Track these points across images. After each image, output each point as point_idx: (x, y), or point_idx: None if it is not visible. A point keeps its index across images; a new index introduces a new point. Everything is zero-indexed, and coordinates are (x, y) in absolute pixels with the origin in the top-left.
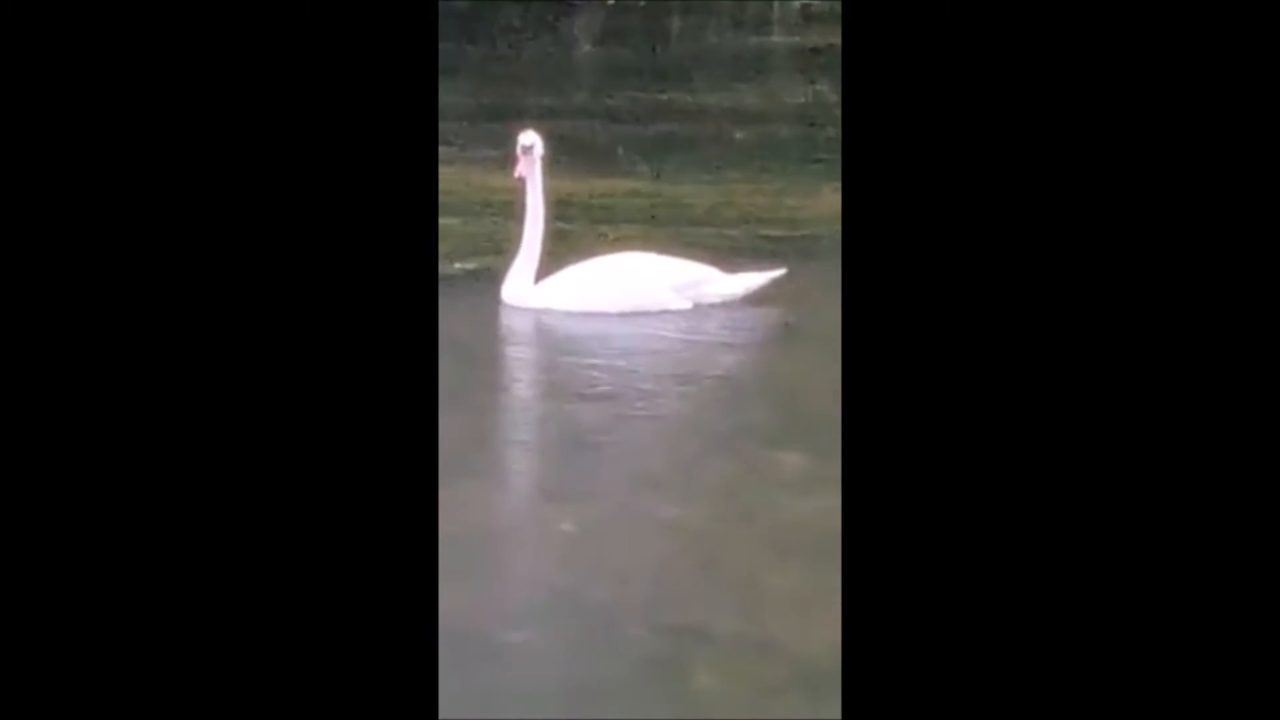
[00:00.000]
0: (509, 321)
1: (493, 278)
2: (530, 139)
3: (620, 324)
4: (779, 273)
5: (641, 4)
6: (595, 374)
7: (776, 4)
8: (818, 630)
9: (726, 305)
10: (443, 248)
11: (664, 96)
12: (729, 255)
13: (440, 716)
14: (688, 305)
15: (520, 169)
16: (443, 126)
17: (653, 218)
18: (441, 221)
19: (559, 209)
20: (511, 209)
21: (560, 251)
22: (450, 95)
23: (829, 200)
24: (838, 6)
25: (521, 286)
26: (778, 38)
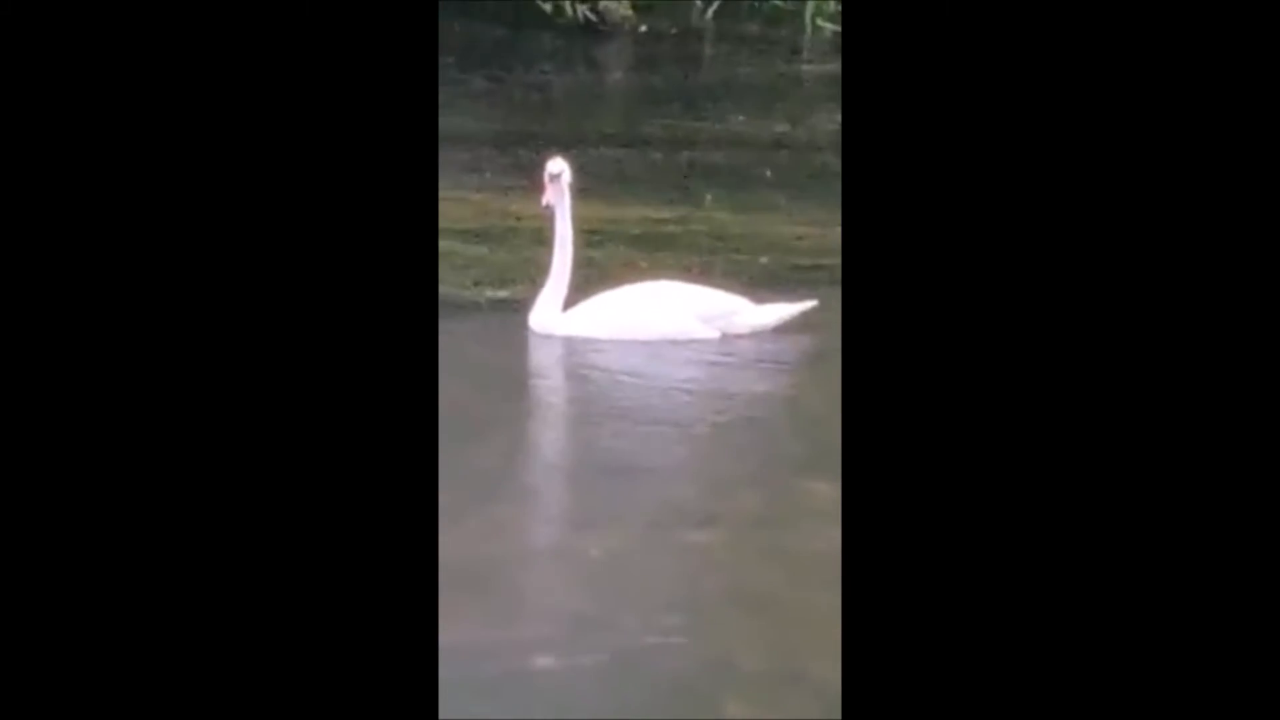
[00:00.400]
0: (537, 349)
1: (522, 306)
2: (558, 167)
3: (649, 352)
4: (810, 305)
5: (673, 31)
6: (623, 401)
7: (807, 32)
8: None
9: (756, 335)
10: (472, 275)
11: (695, 124)
12: (761, 283)
13: None
14: (715, 335)
15: (548, 197)
16: (473, 154)
17: (684, 245)
18: (471, 249)
19: (590, 236)
20: (542, 236)
21: (591, 279)
22: (481, 122)
23: None
24: None
25: (549, 314)
26: (808, 65)
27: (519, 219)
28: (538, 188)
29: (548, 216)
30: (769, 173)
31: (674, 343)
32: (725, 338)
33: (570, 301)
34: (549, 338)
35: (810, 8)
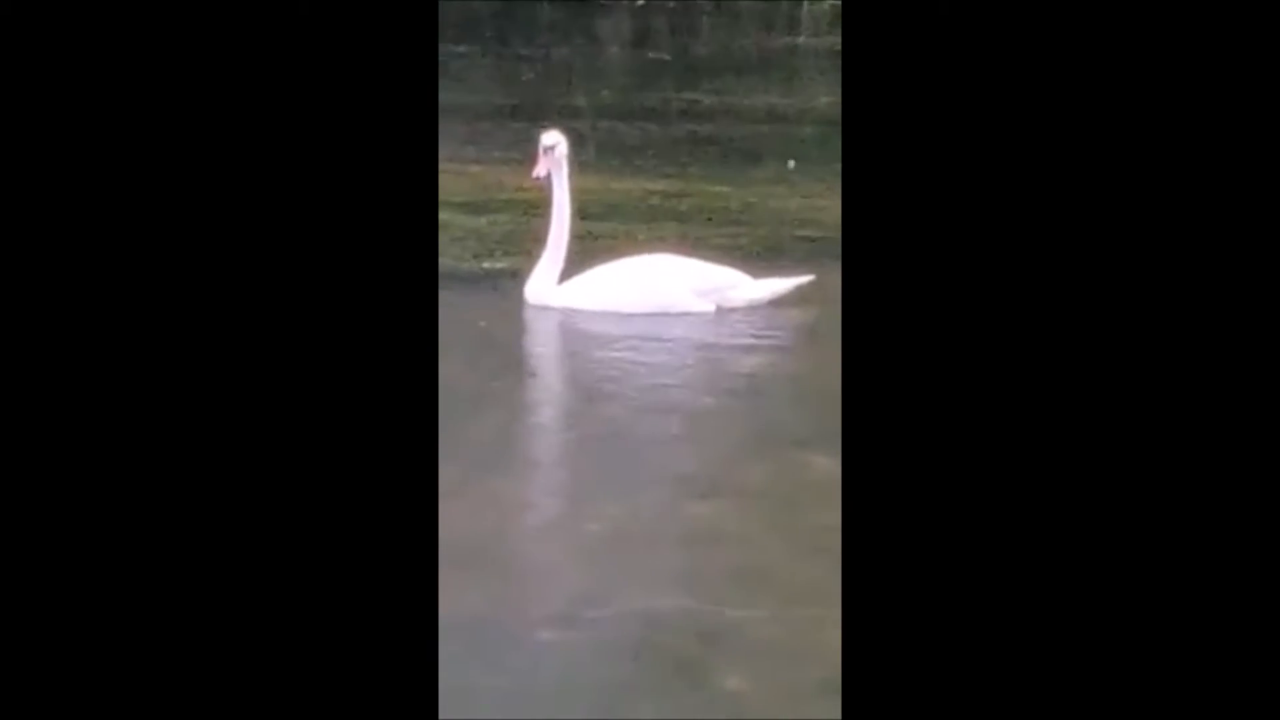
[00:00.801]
0: (534, 321)
1: (519, 277)
2: (552, 139)
3: (646, 325)
4: (806, 279)
5: (670, 4)
6: (622, 374)
7: (805, 5)
8: None
9: (751, 308)
10: (470, 247)
11: (693, 97)
12: (759, 256)
13: (469, 715)
14: (711, 309)
15: (539, 169)
16: (472, 127)
17: (681, 217)
18: (469, 221)
19: (587, 208)
20: (539, 209)
21: (589, 251)
22: (479, 95)
23: None
24: None
25: (545, 286)
26: (806, 39)
27: (517, 191)
28: (534, 160)
29: (544, 188)
30: (765, 144)
31: (670, 315)
32: (721, 311)
33: (566, 273)
34: (546, 310)
35: None
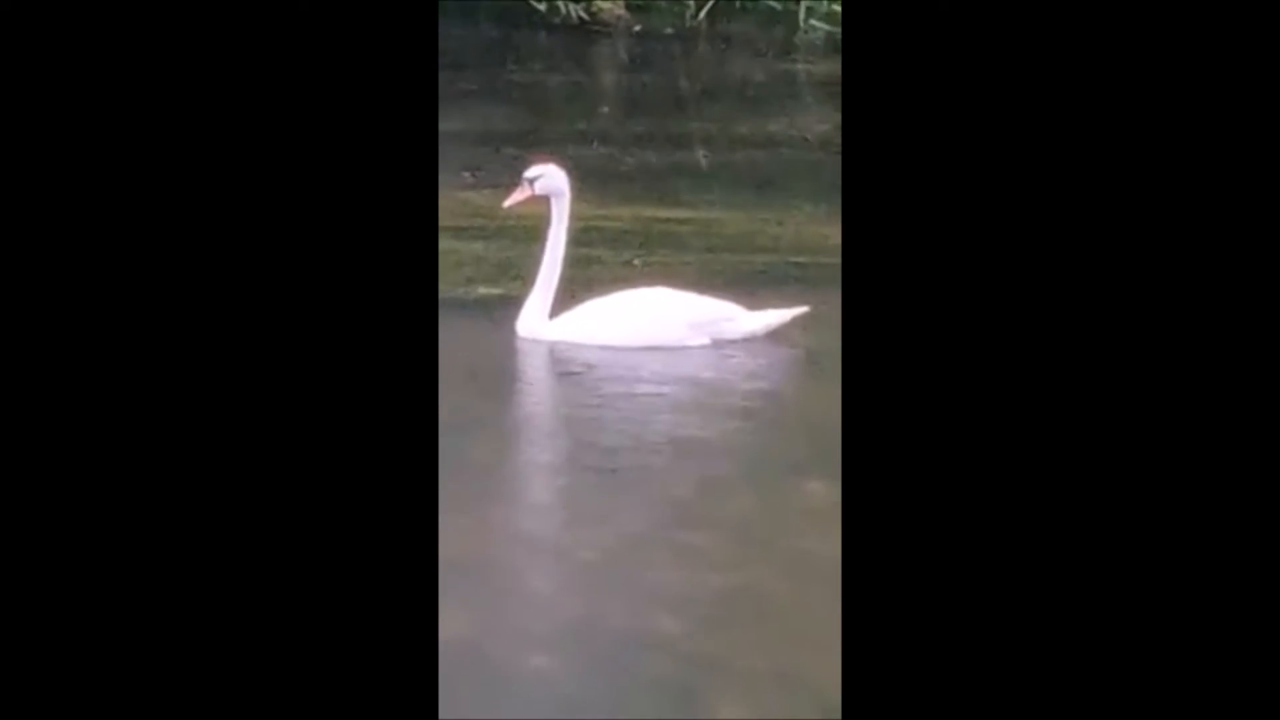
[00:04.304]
0: (527, 352)
1: (515, 303)
2: (535, 171)
3: (640, 356)
4: (801, 310)
5: (666, 31)
6: (614, 406)
7: (800, 31)
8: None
9: (747, 341)
10: (466, 273)
11: (688, 124)
12: (756, 284)
13: None
14: (706, 342)
15: (511, 198)
16: (469, 152)
17: (676, 245)
18: (466, 246)
19: (583, 236)
20: (536, 235)
21: (585, 279)
22: (475, 121)
23: None
24: None
25: (536, 320)
26: (802, 65)
27: (509, 218)
28: (516, 187)
29: (545, 214)
30: (761, 171)
31: (664, 349)
32: (716, 343)
33: (561, 301)
34: (537, 342)
35: (803, 8)
